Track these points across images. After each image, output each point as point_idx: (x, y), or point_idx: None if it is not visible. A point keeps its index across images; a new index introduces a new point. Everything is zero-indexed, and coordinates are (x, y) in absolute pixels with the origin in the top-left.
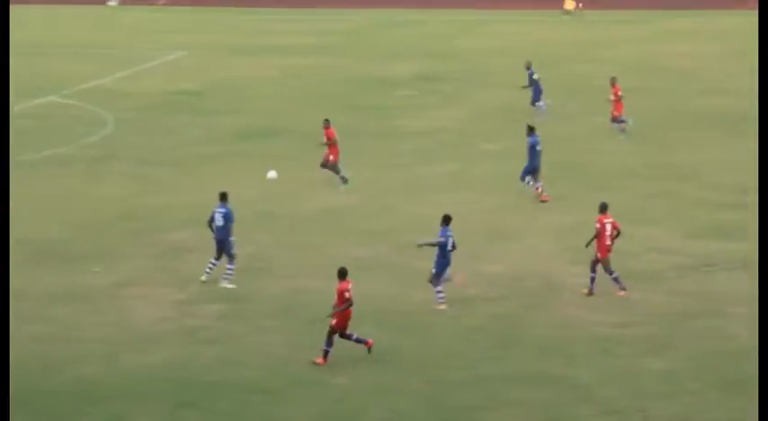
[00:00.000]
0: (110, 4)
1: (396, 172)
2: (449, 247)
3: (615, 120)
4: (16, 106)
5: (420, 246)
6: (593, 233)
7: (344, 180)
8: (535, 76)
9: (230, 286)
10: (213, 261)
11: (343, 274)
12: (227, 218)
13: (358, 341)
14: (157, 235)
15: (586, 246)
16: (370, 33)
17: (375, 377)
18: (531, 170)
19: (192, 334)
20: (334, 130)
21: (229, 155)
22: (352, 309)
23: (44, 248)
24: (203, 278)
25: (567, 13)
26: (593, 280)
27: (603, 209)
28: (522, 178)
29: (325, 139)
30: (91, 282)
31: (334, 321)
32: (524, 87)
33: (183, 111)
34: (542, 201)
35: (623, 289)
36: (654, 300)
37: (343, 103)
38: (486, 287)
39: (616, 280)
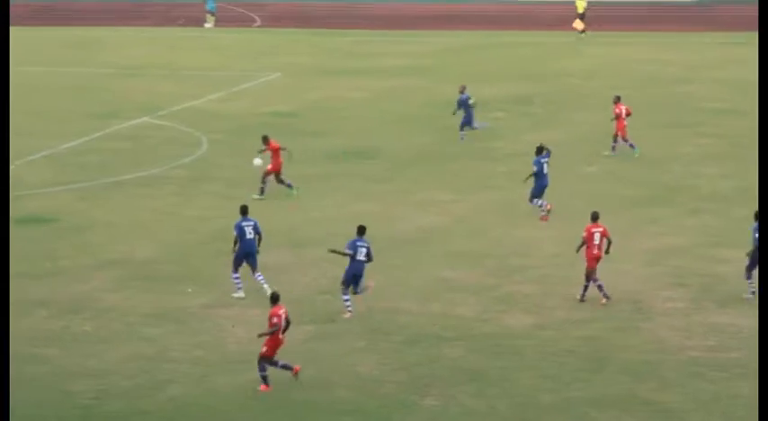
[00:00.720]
0: (206, 26)
1: (488, 194)
2: (360, 257)
3: (622, 139)
4: (110, 127)
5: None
6: (685, 253)
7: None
8: (471, 102)
9: (267, 286)
10: (235, 275)
11: (275, 299)
12: (257, 229)
13: (285, 367)
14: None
15: (576, 251)
16: (463, 55)
17: (464, 399)
18: (540, 191)
19: (282, 354)
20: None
21: (322, 176)
22: (283, 336)
23: (137, 269)
24: (240, 295)
25: (582, 32)
26: (599, 287)
27: (594, 218)
28: (531, 200)
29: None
30: (183, 302)
31: (264, 349)
32: (454, 112)
33: (276, 132)
34: (543, 221)
35: (606, 297)
36: (746, 324)
37: (435, 124)
38: (576, 309)
39: (600, 287)
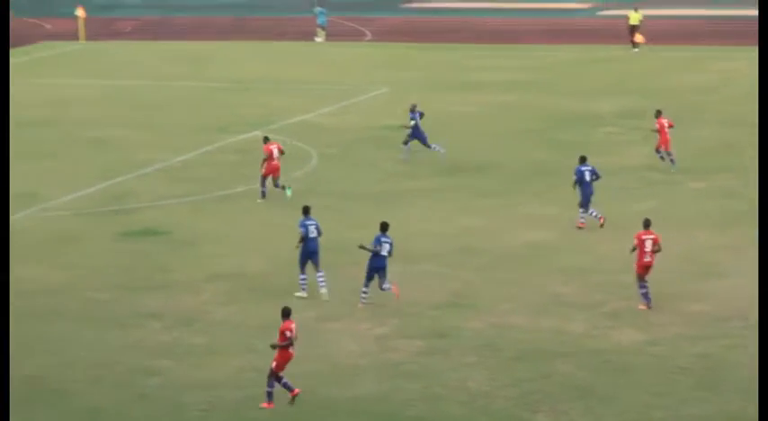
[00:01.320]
0: (316, 40)
1: (597, 209)
2: (383, 252)
3: (665, 152)
4: (222, 141)
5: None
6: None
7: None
8: (416, 121)
9: (326, 291)
10: (303, 276)
11: (286, 314)
12: (319, 230)
13: (285, 386)
14: (359, 269)
15: (630, 252)
16: (573, 69)
17: (575, 416)
18: (586, 200)
19: (392, 368)
20: (270, 147)
21: (431, 190)
22: (293, 351)
23: (248, 281)
24: (302, 294)
25: (635, 46)
26: (644, 295)
27: (646, 225)
28: (586, 210)
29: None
30: (294, 315)
31: (274, 364)
32: (406, 127)
33: (385, 146)
34: (579, 227)
35: (648, 306)
36: None
37: (544, 138)
38: (689, 326)
39: (645, 295)
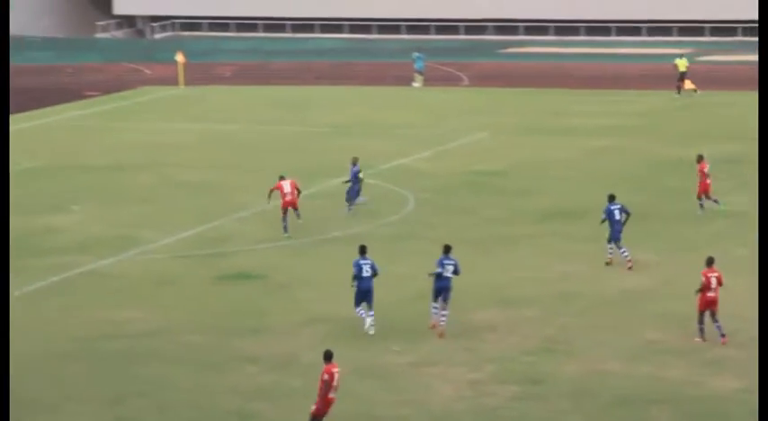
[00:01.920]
0: (414, 85)
1: (694, 255)
2: (447, 274)
3: (705, 197)
4: (320, 185)
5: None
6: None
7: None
8: (360, 175)
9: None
10: (362, 311)
11: (328, 357)
12: (374, 269)
13: None
14: (456, 314)
15: (695, 293)
16: (670, 114)
17: None
18: (613, 236)
19: (489, 413)
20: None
21: (528, 235)
22: (334, 396)
23: (343, 325)
24: (371, 331)
25: (685, 92)
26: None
27: (710, 263)
28: (618, 245)
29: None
30: (389, 360)
31: (314, 407)
32: (345, 182)
33: (483, 191)
34: (607, 263)
35: (703, 339)
36: None
37: (643, 184)
38: None
39: (701, 330)
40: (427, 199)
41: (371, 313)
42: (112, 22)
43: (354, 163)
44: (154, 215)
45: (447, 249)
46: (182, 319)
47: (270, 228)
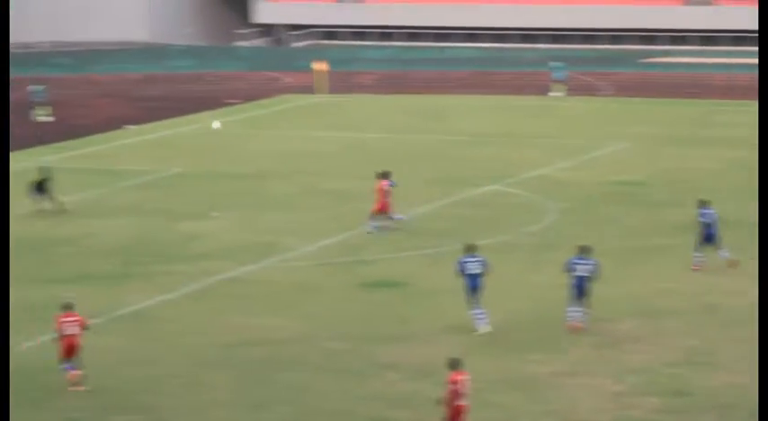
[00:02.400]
0: (551, 94)
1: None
2: (584, 274)
3: None
4: (459, 194)
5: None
6: None
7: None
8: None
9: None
10: (473, 312)
11: (454, 365)
12: (485, 266)
13: None
14: (600, 324)
15: None
16: None
17: None
18: (707, 239)
19: None
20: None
21: (673, 246)
22: (464, 404)
23: (484, 334)
24: (487, 329)
25: None
26: None
27: None
28: (720, 249)
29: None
30: (531, 370)
31: (445, 417)
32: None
33: (624, 201)
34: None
35: None
36: None
37: None
38: None
39: None
40: (568, 209)
41: (480, 309)
42: (252, 30)
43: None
44: (295, 222)
45: (583, 250)
46: (324, 326)
47: (411, 237)
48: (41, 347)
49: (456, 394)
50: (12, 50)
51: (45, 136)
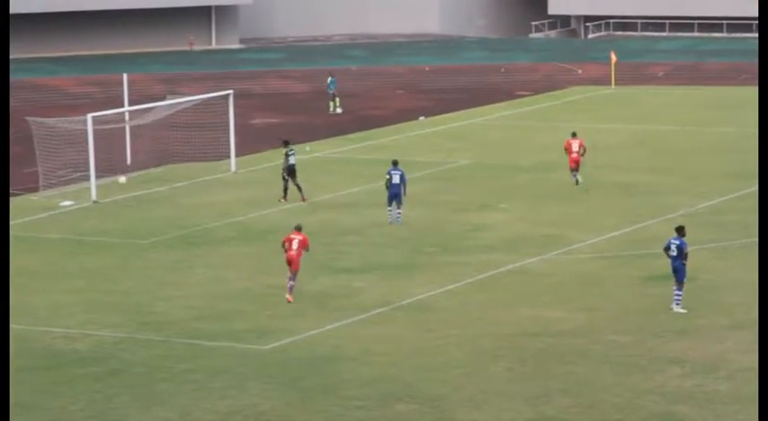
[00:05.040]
0: None
1: None
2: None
3: None
4: (751, 187)
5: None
6: None
7: None
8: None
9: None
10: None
11: None
12: (682, 246)
13: None
14: None
15: None
16: None
17: None
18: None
19: None
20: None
21: None
22: None
23: None
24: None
25: None
26: None
27: None
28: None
29: None
30: None
31: None
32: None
33: None
34: None
35: None
36: None
37: None
38: None
39: None
40: None
41: (680, 292)
42: (547, 21)
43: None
44: (581, 215)
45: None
46: (607, 319)
47: (698, 230)
48: (326, 335)
49: None
50: (310, 43)
51: (337, 126)
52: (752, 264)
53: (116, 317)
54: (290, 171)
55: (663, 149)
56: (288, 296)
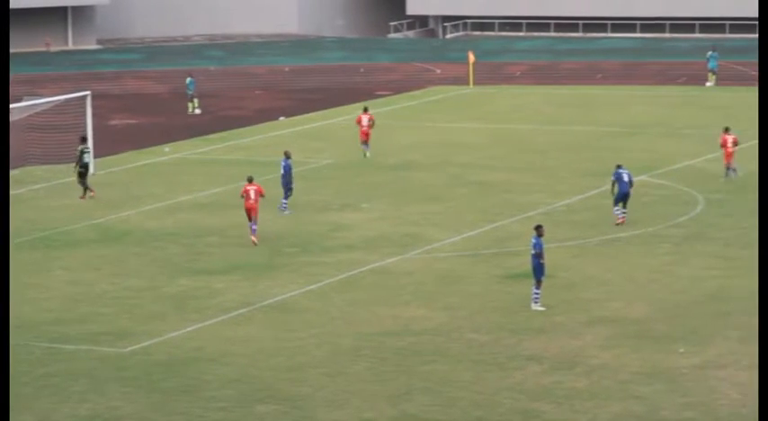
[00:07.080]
0: (707, 84)
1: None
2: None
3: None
4: (607, 185)
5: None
6: None
7: None
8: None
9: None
10: None
11: None
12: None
13: None
14: (746, 318)
15: None
16: None
17: None
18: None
19: None
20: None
21: None
22: None
23: (628, 327)
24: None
25: None
26: None
27: None
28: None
29: None
30: (674, 362)
31: None
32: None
33: None
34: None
35: None
36: None
37: None
38: None
39: None
40: (717, 200)
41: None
42: (405, 22)
43: (287, 156)
44: (441, 214)
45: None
46: (466, 317)
47: (556, 228)
48: (186, 337)
49: None
50: (168, 44)
51: (197, 127)
52: (607, 261)
53: None
54: (84, 169)
55: (521, 148)
56: (252, 238)
